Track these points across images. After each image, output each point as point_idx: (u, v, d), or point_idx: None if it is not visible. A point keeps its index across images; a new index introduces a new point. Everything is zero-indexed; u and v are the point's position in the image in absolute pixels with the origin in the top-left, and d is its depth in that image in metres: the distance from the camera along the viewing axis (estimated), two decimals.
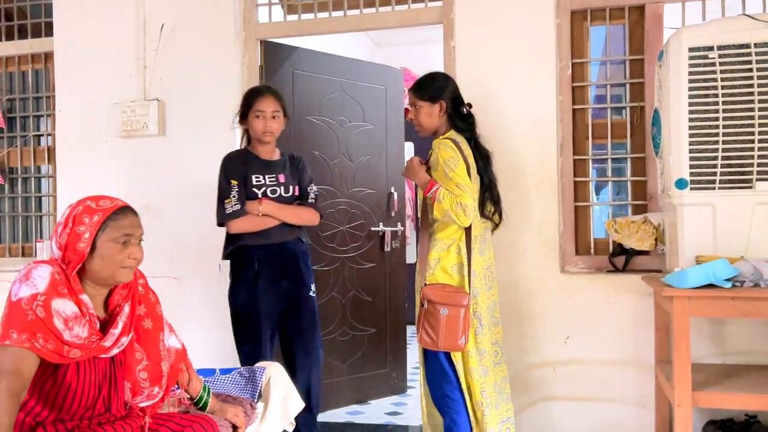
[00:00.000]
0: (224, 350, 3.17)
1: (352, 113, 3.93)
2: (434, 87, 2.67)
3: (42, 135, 3.94)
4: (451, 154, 2.55)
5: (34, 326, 1.54)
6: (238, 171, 2.80)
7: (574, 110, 3.12)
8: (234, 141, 3.33)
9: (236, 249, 2.81)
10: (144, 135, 3.48)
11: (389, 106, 4.12)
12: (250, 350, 2.78)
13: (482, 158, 2.67)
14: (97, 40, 3.60)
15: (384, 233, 4.05)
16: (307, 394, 2.76)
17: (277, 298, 2.80)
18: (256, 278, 2.77)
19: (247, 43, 3.46)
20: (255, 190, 2.79)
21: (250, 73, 3.45)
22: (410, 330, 4.80)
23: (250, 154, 2.88)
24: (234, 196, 2.75)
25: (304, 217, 2.87)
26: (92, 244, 1.69)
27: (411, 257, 5.16)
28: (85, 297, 1.68)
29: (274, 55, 3.56)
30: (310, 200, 2.90)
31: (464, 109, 2.69)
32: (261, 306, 2.77)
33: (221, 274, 3.30)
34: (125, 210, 1.76)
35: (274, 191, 2.82)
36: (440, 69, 2.97)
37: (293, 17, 3.54)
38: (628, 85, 3.12)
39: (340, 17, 3.43)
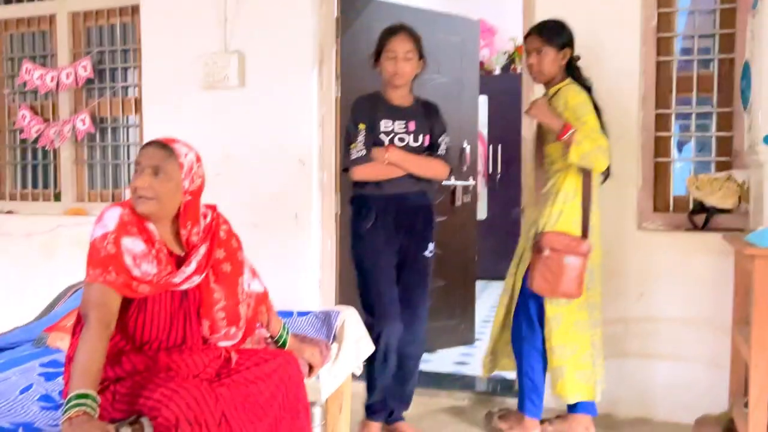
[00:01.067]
0: (301, 294, 3.29)
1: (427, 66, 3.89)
2: (563, 34, 2.63)
3: (129, 86, 4.12)
4: (582, 98, 2.52)
5: (106, 261, 1.64)
6: (366, 115, 2.65)
7: (658, 62, 3.01)
8: (311, 92, 3.39)
9: (356, 197, 2.73)
10: (225, 87, 3.57)
11: (464, 59, 4.07)
12: (370, 304, 2.69)
13: (596, 108, 2.61)
14: None
15: (455, 188, 4.06)
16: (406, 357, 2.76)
17: (394, 251, 2.70)
18: (374, 230, 2.67)
19: None
20: (383, 136, 2.66)
21: (327, 25, 3.47)
22: (479, 284, 4.84)
23: (381, 98, 2.72)
24: (360, 141, 2.62)
25: (432, 169, 2.71)
26: None
27: (482, 213, 5.16)
28: (151, 226, 1.75)
29: (350, 6, 3.57)
30: (440, 152, 2.73)
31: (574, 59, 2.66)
32: (380, 259, 2.66)
33: (297, 221, 3.42)
34: (150, 143, 1.79)
35: (402, 139, 2.67)
36: (519, 18, 2.91)
37: None
38: (717, 36, 2.98)
39: None
